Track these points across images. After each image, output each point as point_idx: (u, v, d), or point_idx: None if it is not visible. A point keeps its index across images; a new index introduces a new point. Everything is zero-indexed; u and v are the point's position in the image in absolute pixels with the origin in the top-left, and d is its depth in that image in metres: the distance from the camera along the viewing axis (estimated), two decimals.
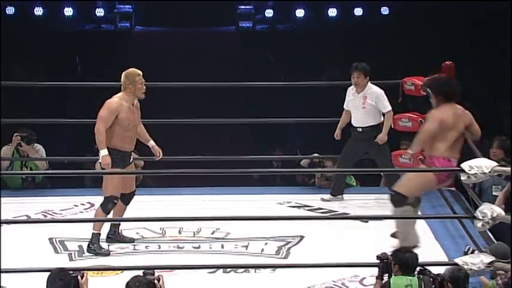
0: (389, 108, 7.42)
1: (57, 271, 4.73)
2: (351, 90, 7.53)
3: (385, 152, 7.46)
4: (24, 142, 7.87)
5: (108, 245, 6.58)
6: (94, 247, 6.47)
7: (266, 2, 13.79)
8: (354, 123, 7.53)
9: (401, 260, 5.28)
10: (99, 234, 6.50)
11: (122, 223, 6.73)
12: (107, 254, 6.47)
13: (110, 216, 6.55)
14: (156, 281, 4.84)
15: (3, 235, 6.71)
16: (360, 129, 7.48)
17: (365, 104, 7.44)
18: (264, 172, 8.55)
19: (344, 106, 7.62)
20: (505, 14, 12.05)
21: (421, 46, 12.55)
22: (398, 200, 6.21)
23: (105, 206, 6.49)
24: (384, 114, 7.48)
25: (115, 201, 6.49)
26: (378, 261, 5.40)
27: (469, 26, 12.56)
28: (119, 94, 6.51)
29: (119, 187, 6.50)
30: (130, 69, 6.56)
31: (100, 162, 6.43)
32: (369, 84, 7.45)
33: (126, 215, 6.86)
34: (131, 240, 6.68)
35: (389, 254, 5.39)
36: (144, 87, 6.52)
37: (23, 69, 12.35)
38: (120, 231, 6.70)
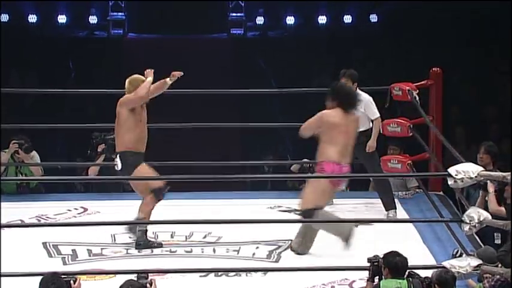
0: (378, 115, 7.45)
1: (50, 275, 4.74)
2: None
3: (374, 157, 7.49)
4: (22, 150, 7.85)
5: (139, 251, 6.60)
6: (143, 242, 6.52)
7: (257, 9, 13.82)
8: None
9: (391, 264, 5.31)
10: (146, 230, 6.55)
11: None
12: (160, 245, 6.56)
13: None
14: (148, 285, 4.86)
15: None
16: None
17: None
18: (255, 177, 8.57)
19: None
20: (494, 20, 12.13)
21: (409, 53, 12.60)
22: (310, 214, 6.39)
23: (158, 195, 6.57)
24: (373, 121, 7.50)
25: (168, 186, 6.59)
26: (369, 264, 5.43)
27: (457, 33, 12.62)
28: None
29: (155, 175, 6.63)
30: (134, 76, 6.65)
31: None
32: (358, 90, 7.47)
33: (120, 220, 6.88)
34: (160, 245, 6.67)
35: (380, 257, 5.42)
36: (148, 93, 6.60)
37: (17, 75, 12.35)
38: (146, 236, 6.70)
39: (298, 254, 6.49)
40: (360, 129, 7.45)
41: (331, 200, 6.77)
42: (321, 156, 6.37)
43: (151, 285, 4.86)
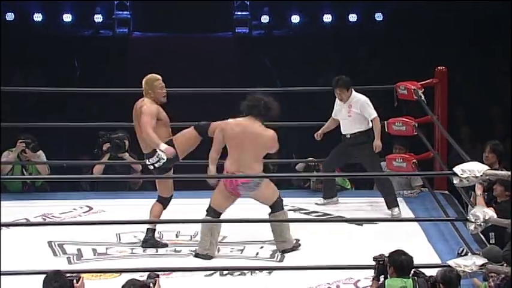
0: (375, 114, 7.45)
1: (53, 274, 4.74)
2: (338, 100, 7.54)
3: (374, 157, 7.48)
4: (29, 149, 7.85)
5: (144, 250, 6.61)
6: (151, 241, 6.58)
7: (262, 8, 13.81)
8: (343, 130, 7.57)
9: (396, 262, 5.29)
10: (155, 230, 6.60)
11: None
12: (166, 245, 6.61)
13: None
14: (151, 285, 4.85)
15: (3, 238, 6.72)
16: (348, 136, 7.52)
17: (350, 113, 7.48)
18: (259, 176, 8.53)
19: (332, 114, 7.63)
20: (497, 19, 12.09)
21: (414, 51, 12.57)
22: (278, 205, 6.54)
23: (166, 204, 6.66)
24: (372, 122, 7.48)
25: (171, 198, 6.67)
26: (374, 262, 5.42)
27: (462, 31, 12.59)
28: (144, 100, 6.59)
29: (172, 184, 6.69)
30: (150, 75, 6.67)
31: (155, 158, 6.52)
32: (353, 93, 7.48)
33: (125, 219, 6.87)
34: (165, 245, 6.68)
35: (386, 256, 5.41)
36: (164, 91, 6.60)
37: (22, 74, 12.35)
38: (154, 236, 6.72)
39: (208, 257, 6.42)
40: (358, 130, 7.46)
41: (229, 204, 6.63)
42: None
43: (154, 284, 4.84)
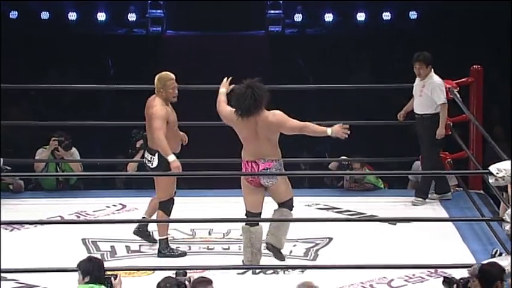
0: (443, 100, 7.42)
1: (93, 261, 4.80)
2: (417, 77, 7.54)
3: (433, 144, 7.43)
4: (62, 147, 7.89)
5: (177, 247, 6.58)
6: (166, 252, 6.46)
7: (295, 6, 13.79)
8: (414, 108, 7.57)
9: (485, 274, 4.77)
10: (167, 238, 6.50)
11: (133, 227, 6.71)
12: (183, 254, 6.49)
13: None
14: (187, 282, 4.86)
15: (37, 235, 6.80)
16: (417, 115, 7.53)
17: (422, 93, 7.47)
18: (290, 174, 8.51)
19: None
20: None
21: (449, 50, 12.47)
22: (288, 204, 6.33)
23: (168, 209, 6.50)
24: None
25: (173, 202, 6.53)
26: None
27: (497, 30, 12.46)
28: (156, 100, 6.51)
29: (173, 187, 6.56)
30: (163, 73, 6.57)
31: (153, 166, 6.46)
32: (431, 73, 7.47)
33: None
34: (154, 241, 6.64)
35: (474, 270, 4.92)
36: (176, 92, 6.54)
37: (57, 72, 12.45)
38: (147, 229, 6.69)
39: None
40: (426, 112, 7.44)
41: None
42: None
43: (190, 282, 4.85)
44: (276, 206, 6.37)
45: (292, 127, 6.19)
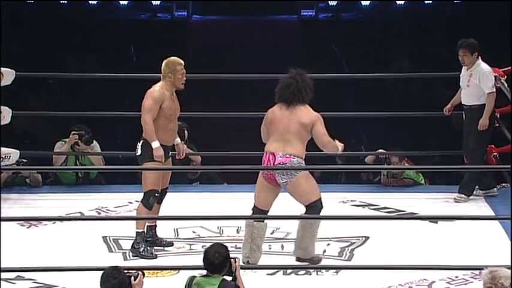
0: (491, 89, 7.35)
1: (111, 269, 4.75)
2: (463, 67, 7.49)
3: (479, 137, 7.38)
4: (82, 142, 7.90)
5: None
6: (139, 247, 6.41)
7: None
8: (462, 100, 7.51)
9: None
10: (144, 232, 6.48)
11: (159, 224, 6.68)
12: (154, 257, 6.42)
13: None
14: (233, 261, 4.91)
15: (56, 232, 6.84)
16: (465, 106, 7.49)
17: (469, 82, 7.42)
18: (323, 169, 8.46)
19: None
20: None
21: (495, 36, 12.35)
22: (316, 209, 6.22)
23: (147, 201, 6.45)
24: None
25: (156, 194, 6.47)
26: None
27: None
28: (159, 83, 6.50)
29: (158, 181, 6.49)
30: (172, 58, 6.56)
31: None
32: (478, 61, 7.41)
33: (183, 213, 6.90)
34: (170, 244, 6.63)
35: None
36: (184, 78, 6.52)
37: (77, 60, 12.52)
38: (156, 234, 6.63)
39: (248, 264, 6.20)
40: (475, 103, 7.38)
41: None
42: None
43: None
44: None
45: (321, 138, 6.19)
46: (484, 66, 7.41)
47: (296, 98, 6.23)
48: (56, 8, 13.30)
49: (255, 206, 6.33)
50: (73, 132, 7.91)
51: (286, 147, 6.18)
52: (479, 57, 7.44)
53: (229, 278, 4.97)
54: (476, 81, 7.38)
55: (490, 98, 7.37)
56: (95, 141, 8.03)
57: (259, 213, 6.27)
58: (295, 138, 6.19)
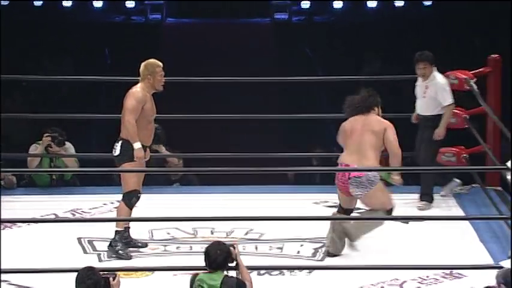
0: (450, 101, 7.39)
1: (86, 270, 4.75)
2: (419, 77, 7.52)
3: (430, 144, 7.43)
4: (55, 144, 7.88)
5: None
6: (117, 245, 6.42)
7: None
8: (417, 109, 7.57)
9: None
10: (123, 231, 6.48)
11: (134, 225, 6.70)
12: (128, 258, 6.44)
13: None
14: (232, 249, 5.08)
15: (30, 234, 6.82)
16: (421, 116, 7.54)
17: (425, 94, 7.45)
18: (296, 170, 8.48)
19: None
20: None
21: (465, 39, 12.46)
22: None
23: (130, 201, 6.46)
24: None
25: (138, 195, 6.48)
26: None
27: None
28: (139, 84, 6.52)
29: (139, 181, 6.51)
30: (151, 60, 6.57)
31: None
32: (434, 73, 7.43)
33: (158, 214, 6.91)
34: (144, 245, 6.64)
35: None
36: (163, 80, 6.53)
37: (51, 62, 12.46)
38: (130, 235, 6.61)
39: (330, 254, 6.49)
40: (430, 114, 7.43)
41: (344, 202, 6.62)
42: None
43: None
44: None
45: (392, 143, 6.42)
46: (440, 79, 7.43)
47: (364, 105, 6.52)
48: (30, 9, 13.23)
49: (339, 205, 6.58)
50: (46, 135, 7.90)
51: (361, 160, 6.36)
52: (435, 68, 7.44)
53: (232, 273, 5.07)
54: (433, 94, 7.39)
55: (448, 109, 7.41)
56: (68, 143, 8.01)
57: (344, 212, 6.51)
58: (370, 148, 6.39)
